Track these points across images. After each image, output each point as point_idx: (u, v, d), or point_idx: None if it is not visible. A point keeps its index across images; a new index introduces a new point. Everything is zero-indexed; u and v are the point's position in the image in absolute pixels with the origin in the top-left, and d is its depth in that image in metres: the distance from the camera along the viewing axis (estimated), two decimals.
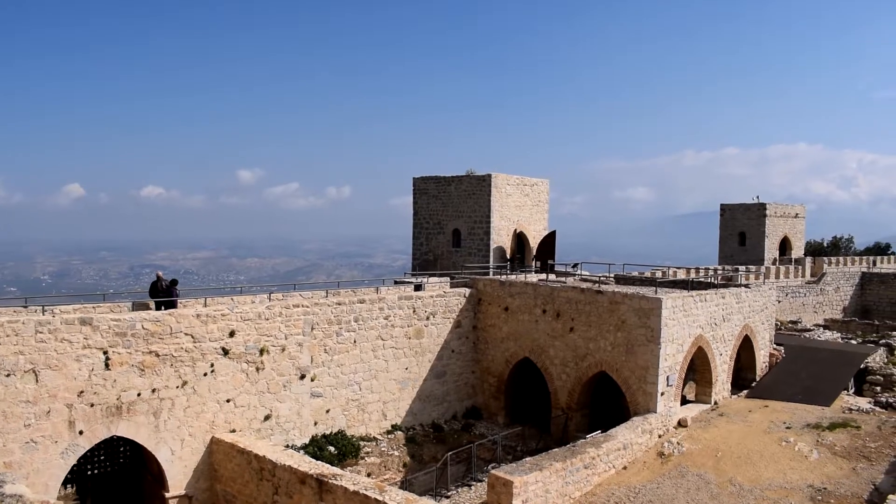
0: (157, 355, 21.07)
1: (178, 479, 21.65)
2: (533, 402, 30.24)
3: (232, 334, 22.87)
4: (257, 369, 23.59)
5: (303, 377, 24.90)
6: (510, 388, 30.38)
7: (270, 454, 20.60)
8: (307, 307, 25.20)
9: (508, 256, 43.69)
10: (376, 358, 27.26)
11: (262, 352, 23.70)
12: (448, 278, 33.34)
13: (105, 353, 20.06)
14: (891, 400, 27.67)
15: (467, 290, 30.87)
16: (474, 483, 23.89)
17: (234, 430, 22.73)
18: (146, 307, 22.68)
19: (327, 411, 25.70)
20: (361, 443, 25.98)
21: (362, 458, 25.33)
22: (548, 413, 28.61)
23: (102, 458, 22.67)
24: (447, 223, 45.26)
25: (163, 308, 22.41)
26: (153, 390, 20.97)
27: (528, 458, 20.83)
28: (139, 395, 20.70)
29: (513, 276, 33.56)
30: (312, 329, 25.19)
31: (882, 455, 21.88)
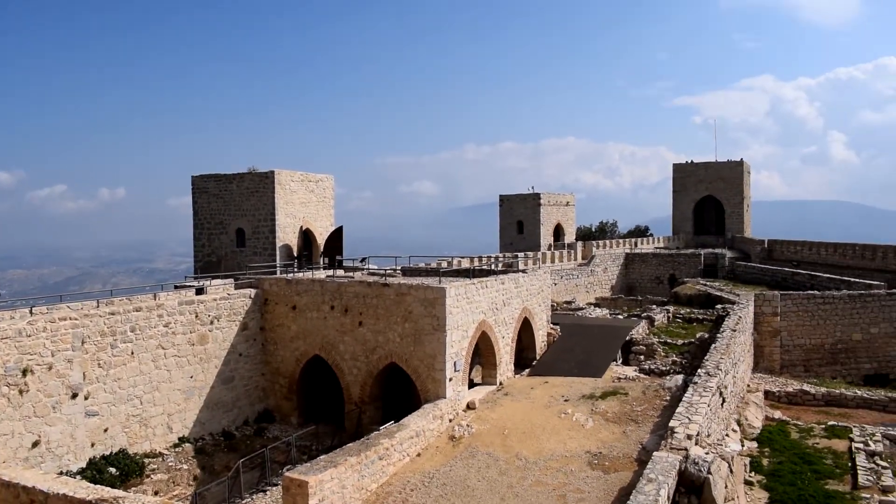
0: None
1: None
2: (327, 399, 30.08)
3: None
4: (21, 392, 21.49)
5: (75, 396, 23.03)
6: (302, 387, 30.00)
7: (41, 484, 18.78)
8: (76, 319, 23.32)
9: (296, 254, 43.17)
10: (157, 368, 25.81)
11: (25, 372, 21.62)
12: (233, 280, 32.25)
13: None
14: (652, 367, 30.61)
15: (253, 291, 30.06)
16: (269, 488, 23.29)
17: None
18: None
19: (105, 430, 23.96)
20: (146, 460, 24.51)
21: (148, 475, 23.90)
22: (342, 409, 28.59)
23: None
24: (230, 223, 43.86)
25: None
26: None
27: (322, 456, 20.62)
28: None
29: (300, 274, 33.16)
30: (83, 343, 23.36)
31: (647, 417, 24.05)
